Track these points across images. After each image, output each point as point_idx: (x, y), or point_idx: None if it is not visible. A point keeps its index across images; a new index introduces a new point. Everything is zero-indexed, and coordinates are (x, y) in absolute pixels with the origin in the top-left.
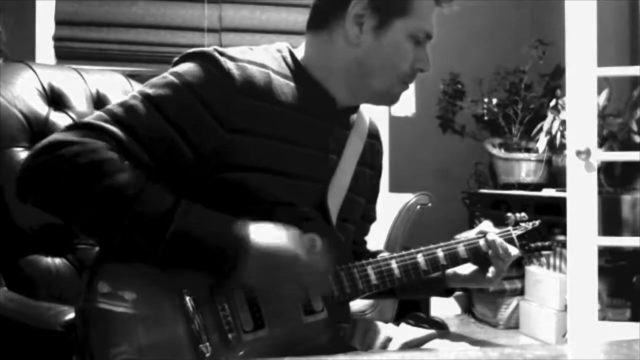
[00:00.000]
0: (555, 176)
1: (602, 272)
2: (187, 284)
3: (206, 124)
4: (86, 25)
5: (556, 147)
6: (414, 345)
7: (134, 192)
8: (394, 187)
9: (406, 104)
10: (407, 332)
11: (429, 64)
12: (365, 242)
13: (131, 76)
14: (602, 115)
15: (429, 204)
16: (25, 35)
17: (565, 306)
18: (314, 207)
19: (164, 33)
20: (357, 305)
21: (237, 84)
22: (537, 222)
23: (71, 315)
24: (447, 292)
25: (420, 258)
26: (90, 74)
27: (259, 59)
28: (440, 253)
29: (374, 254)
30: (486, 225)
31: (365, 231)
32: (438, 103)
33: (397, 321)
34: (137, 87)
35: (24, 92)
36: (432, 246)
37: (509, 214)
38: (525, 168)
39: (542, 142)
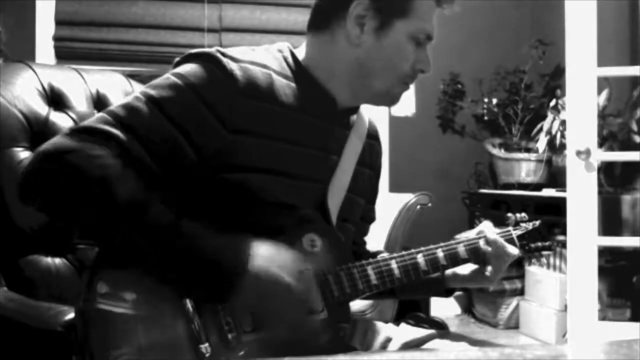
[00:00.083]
0: (555, 176)
1: (602, 272)
2: None
3: (209, 125)
4: (86, 25)
5: (556, 147)
6: (413, 345)
7: (139, 203)
8: (394, 187)
9: (406, 104)
10: (407, 332)
11: (430, 65)
12: (365, 243)
13: (131, 76)
14: (602, 115)
15: (429, 204)
16: (25, 35)
17: (565, 306)
18: (314, 207)
19: (164, 33)
20: (357, 305)
21: (240, 85)
22: (537, 222)
23: (71, 315)
24: (446, 292)
25: (420, 258)
26: (90, 74)
27: (260, 60)
28: (440, 253)
29: (374, 254)
30: (486, 225)
31: (365, 231)
32: (438, 103)
33: (397, 321)
34: (137, 87)
35: (24, 92)
36: (432, 246)
37: (509, 214)
38: (525, 168)
39: (542, 142)
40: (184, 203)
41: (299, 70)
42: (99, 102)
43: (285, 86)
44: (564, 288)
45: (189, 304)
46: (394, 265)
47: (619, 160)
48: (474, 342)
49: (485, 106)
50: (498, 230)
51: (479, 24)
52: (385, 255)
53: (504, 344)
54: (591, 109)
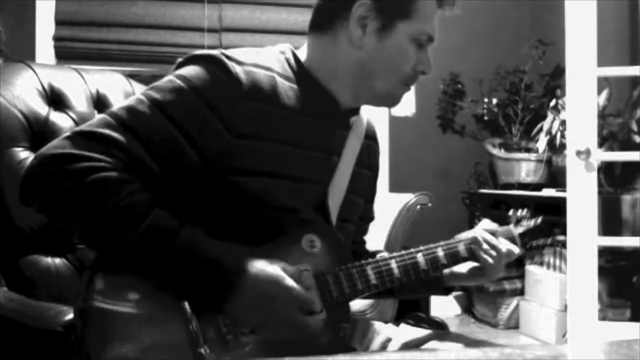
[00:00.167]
0: (555, 176)
1: (602, 272)
2: None
3: (212, 128)
4: (86, 25)
5: (556, 147)
6: (413, 345)
7: (139, 207)
8: (394, 187)
9: (406, 104)
10: (407, 332)
11: (431, 66)
12: (364, 242)
13: (131, 76)
14: (602, 115)
15: (429, 204)
16: (25, 35)
17: (565, 306)
18: (314, 208)
19: (164, 33)
20: (357, 305)
21: (244, 88)
22: (538, 220)
23: (71, 316)
24: (445, 290)
25: (420, 258)
26: (90, 74)
27: (264, 62)
28: (440, 252)
29: (373, 254)
30: (486, 223)
31: (364, 231)
32: (438, 103)
33: (397, 321)
34: (137, 87)
35: (24, 92)
36: (431, 245)
37: (511, 212)
38: (525, 168)
39: (542, 142)
40: (186, 205)
41: (301, 72)
42: (99, 102)
43: (288, 88)
44: (564, 288)
45: (187, 305)
46: (393, 264)
47: (619, 160)
48: (474, 342)
49: (485, 106)
50: (499, 228)
51: (479, 24)
52: (385, 254)
53: (504, 344)
54: (591, 109)
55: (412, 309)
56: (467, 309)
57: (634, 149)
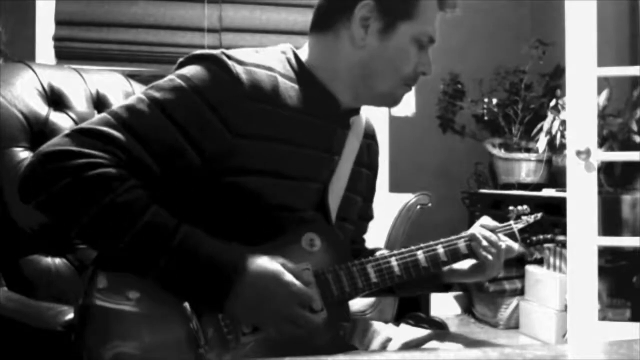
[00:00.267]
0: (555, 176)
1: (602, 272)
2: None
3: (212, 128)
4: (86, 25)
5: (556, 147)
6: (413, 345)
7: (138, 206)
8: (394, 187)
9: (406, 104)
10: (407, 332)
11: (431, 67)
12: (363, 241)
13: (131, 76)
14: (602, 115)
15: (429, 204)
16: (25, 35)
17: (565, 306)
18: (314, 207)
19: (164, 33)
20: (357, 305)
21: (246, 88)
22: (538, 215)
23: (71, 315)
24: (445, 287)
25: (420, 255)
26: (90, 74)
27: (265, 62)
28: (440, 249)
29: (372, 251)
30: (486, 220)
31: (364, 230)
32: (438, 103)
33: (397, 321)
34: (137, 87)
35: (24, 92)
36: (431, 243)
37: (511, 207)
38: (525, 168)
39: (542, 142)
40: (185, 205)
41: (302, 72)
42: (99, 102)
43: (289, 88)
44: (564, 288)
45: (187, 304)
46: (393, 262)
47: (619, 160)
48: (474, 342)
49: (485, 106)
50: (499, 225)
51: (479, 24)
52: (385, 252)
53: (504, 344)
54: (591, 109)
55: (412, 309)
56: (467, 308)
57: (634, 149)
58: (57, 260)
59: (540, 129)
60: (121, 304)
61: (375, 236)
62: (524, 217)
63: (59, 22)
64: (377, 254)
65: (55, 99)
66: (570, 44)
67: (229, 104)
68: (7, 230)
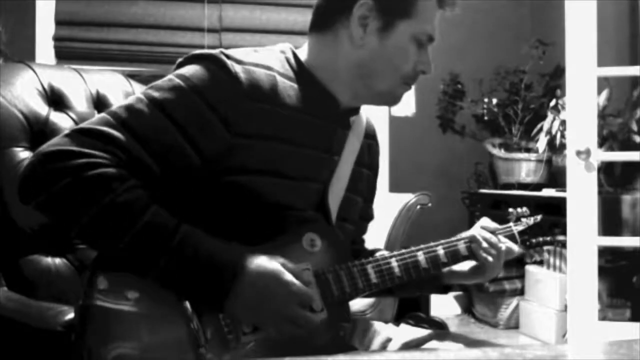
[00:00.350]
0: (555, 176)
1: (602, 272)
2: None
3: (212, 127)
4: (86, 25)
5: (556, 147)
6: (413, 345)
7: (138, 205)
8: (394, 187)
9: (406, 104)
10: (407, 332)
11: (431, 66)
12: (363, 241)
13: (131, 76)
14: (602, 115)
15: (429, 204)
16: (25, 35)
17: (565, 306)
18: (314, 207)
19: (164, 33)
20: (357, 305)
21: (245, 87)
22: (538, 217)
23: (71, 315)
24: (444, 289)
25: (420, 256)
26: (90, 74)
27: (264, 62)
28: (440, 251)
29: (372, 252)
30: (485, 221)
31: (364, 230)
32: (438, 103)
33: (397, 321)
34: (137, 87)
35: (24, 92)
36: (432, 244)
37: (511, 209)
38: (525, 168)
39: (542, 142)
40: (185, 205)
41: (301, 72)
42: (99, 102)
43: (288, 88)
44: (564, 288)
45: (187, 304)
46: (394, 263)
47: (619, 160)
48: (474, 342)
49: (485, 106)
50: (499, 226)
51: (479, 24)
52: (385, 253)
53: (504, 344)
54: (591, 109)
55: (412, 309)
56: (467, 309)
57: (634, 149)
58: (57, 260)
59: (540, 129)
60: (121, 304)
61: (375, 236)
62: (523, 219)
63: (59, 22)
64: (377, 254)
65: (56, 99)
66: (570, 44)
67: (228, 104)
68: (7, 230)
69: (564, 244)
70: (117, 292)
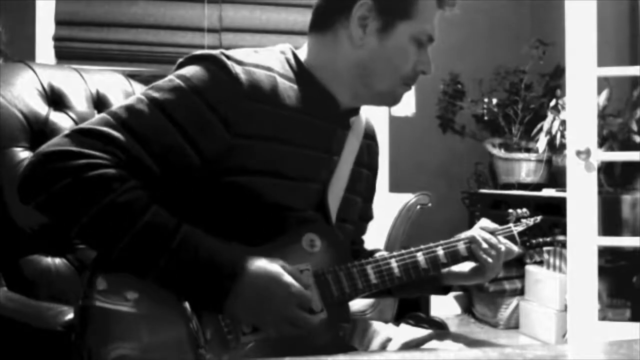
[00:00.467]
0: (555, 176)
1: (602, 272)
2: None
3: (212, 128)
4: (86, 25)
5: (556, 147)
6: (413, 345)
7: (138, 206)
8: (394, 187)
9: (406, 104)
10: (407, 332)
11: (431, 66)
12: (362, 242)
13: (131, 76)
14: (602, 115)
15: (429, 204)
16: (25, 35)
17: (565, 306)
18: (314, 207)
19: (164, 33)
20: (357, 305)
21: (245, 88)
22: (538, 218)
23: (71, 315)
24: (444, 290)
25: (420, 257)
26: (90, 74)
27: (265, 62)
28: (440, 251)
29: (371, 252)
30: (485, 222)
31: (363, 230)
32: (438, 103)
33: (397, 321)
34: (137, 87)
35: (24, 92)
36: (431, 244)
37: (511, 210)
38: (525, 168)
39: (542, 142)
40: (185, 205)
41: (301, 72)
42: (99, 102)
43: (288, 88)
44: (564, 288)
45: (187, 304)
46: (393, 264)
47: (619, 160)
48: (474, 342)
49: (485, 106)
50: (499, 227)
51: (479, 24)
52: (385, 254)
53: (504, 344)
54: (591, 109)
55: (412, 309)
56: (467, 309)
57: (634, 149)
58: (57, 260)
59: (540, 129)
60: (121, 304)
61: (375, 236)
62: (523, 220)
63: (59, 22)
64: (377, 255)
65: (55, 99)
66: (570, 44)
67: (228, 104)
68: (7, 230)
69: (564, 244)
70: (117, 292)
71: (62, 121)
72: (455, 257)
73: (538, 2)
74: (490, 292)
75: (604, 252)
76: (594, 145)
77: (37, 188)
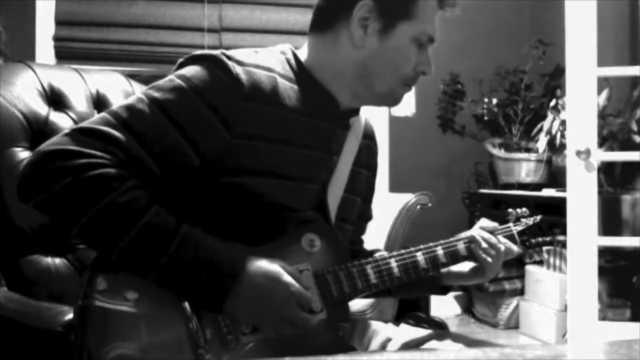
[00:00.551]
0: (555, 176)
1: (602, 272)
2: None
3: (212, 128)
4: (86, 25)
5: (556, 147)
6: (413, 345)
7: (137, 205)
8: (394, 187)
9: (406, 104)
10: (407, 332)
11: (431, 67)
12: (362, 242)
13: (131, 76)
14: (602, 115)
15: (429, 204)
16: (25, 35)
17: (565, 306)
18: (314, 208)
19: (164, 33)
20: (357, 305)
21: (245, 88)
22: (537, 217)
23: (71, 315)
24: (443, 290)
25: (419, 257)
26: (90, 74)
27: (265, 63)
28: (440, 251)
29: (371, 252)
30: (484, 222)
31: (362, 230)
32: (438, 103)
33: (397, 321)
34: (137, 87)
35: (24, 92)
36: (431, 244)
37: (510, 210)
38: (525, 168)
39: (542, 142)
40: (185, 205)
41: (301, 73)
42: (99, 102)
43: (288, 89)
44: (564, 288)
45: (187, 305)
46: (393, 264)
47: (619, 160)
48: (474, 342)
49: (485, 106)
50: (498, 227)
51: (479, 24)
52: (385, 254)
53: (504, 344)
54: (591, 109)
55: (412, 309)
56: (467, 309)
57: (634, 149)
58: (57, 260)
59: (540, 129)
60: (121, 304)
61: (375, 236)
62: (523, 220)
63: (59, 22)
64: (377, 255)
65: (55, 99)
66: (570, 44)
67: (228, 105)
68: (7, 230)
69: (564, 244)
70: (117, 292)
71: (62, 121)
72: (454, 257)
73: (538, 3)
74: (490, 292)
75: (604, 252)
76: (594, 145)
77: (37, 187)
